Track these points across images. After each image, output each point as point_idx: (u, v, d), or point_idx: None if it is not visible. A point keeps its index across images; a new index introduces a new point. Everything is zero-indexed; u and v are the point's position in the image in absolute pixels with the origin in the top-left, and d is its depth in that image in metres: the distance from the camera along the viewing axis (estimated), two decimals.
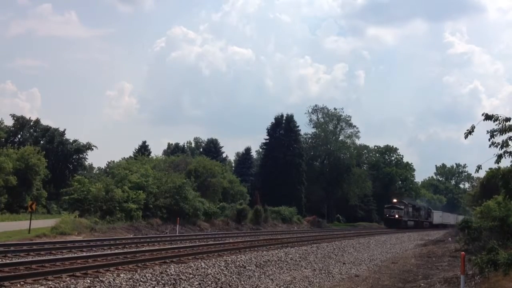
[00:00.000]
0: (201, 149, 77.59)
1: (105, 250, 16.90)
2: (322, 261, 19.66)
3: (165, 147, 79.56)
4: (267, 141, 68.78)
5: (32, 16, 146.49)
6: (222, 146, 76.83)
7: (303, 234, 35.03)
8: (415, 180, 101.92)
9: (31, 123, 58.97)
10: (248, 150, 76.26)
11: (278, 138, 67.14)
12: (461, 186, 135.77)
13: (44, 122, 66.60)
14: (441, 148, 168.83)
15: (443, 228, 67.81)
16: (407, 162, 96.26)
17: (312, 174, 71.60)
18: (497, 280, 11.50)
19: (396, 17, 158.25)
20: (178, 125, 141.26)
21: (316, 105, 77.44)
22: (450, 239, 35.54)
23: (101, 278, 10.83)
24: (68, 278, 10.71)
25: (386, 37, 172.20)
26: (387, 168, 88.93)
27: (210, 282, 12.70)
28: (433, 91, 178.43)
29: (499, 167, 12.35)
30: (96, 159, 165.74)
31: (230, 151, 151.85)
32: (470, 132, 10.64)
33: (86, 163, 64.63)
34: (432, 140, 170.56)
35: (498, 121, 10.45)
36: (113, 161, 66.79)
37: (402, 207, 60.78)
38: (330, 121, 77.66)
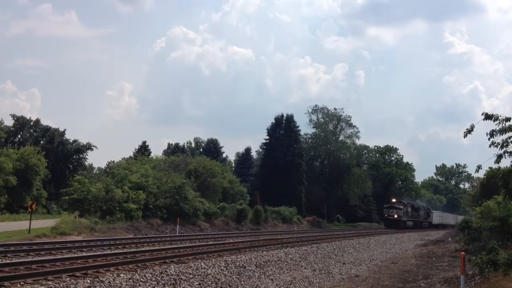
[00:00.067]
0: (201, 149, 77.60)
1: (105, 250, 16.90)
2: (322, 261, 19.66)
3: (165, 147, 79.69)
4: (267, 141, 68.80)
5: (32, 16, 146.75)
6: (222, 146, 77.01)
7: (303, 234, 35.01)
8: (415, 180, 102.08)
9: (31, 123, 58.92)
10: (248, 150, 76.36)
11: (278, 138, 67.14)
12: (461, 186, 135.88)
13: (44, 122, 66.78)
14: (441, 148, 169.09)
15: (443, 228, 67.58)
16: (407, 162, 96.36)
17: (312, 174, 71.60)
18: (497, 280, 11.49)
19: (396, 17, 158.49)
20: (178, 125, 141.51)
21: (316, 105, 77.67)
22: (450, 239, 35.52)
23: (101, 278, 10.82)
24: (68, 278, 10.71)
25: (386, 37, 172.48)
26: (387, 168, 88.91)
27: (210, 282, 12.70)
28: (433, 91, 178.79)
29: (499, 167, 12.35)
30: (96, 159, 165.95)
31: (230, 151, 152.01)
32: (469, 131, 10.64)
33: (86, 163, 64.67)
34: (432, 140, 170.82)
35: (498, 121, 10.44)
36: (113, 161, 66.80)
37: (401, 207, 60.43)
38: (330, 121, 77.70)
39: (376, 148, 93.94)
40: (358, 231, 49.19)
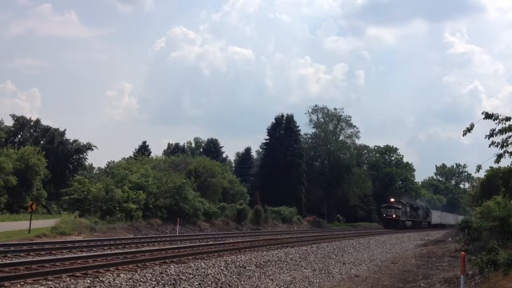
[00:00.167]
0: (201, 149, 77.64)
1: (105, 250, 16.89)
2: (322, 261, 19.66)
3: (165, 147, 79.70)
4: (267, 141, 68.81)
5: (32, 16, 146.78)
6: (222, 146, 77.07)
7: (303, 234, 35.01)
8: (415, 180, 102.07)
9: (31, 123, 58.95)
10: (248, 150, 76.43)
11: (278, 138, 67.16)
12: (461, 186, 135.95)
13: (44, 122, 66.77)
14: (441, 148, 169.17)
15: (442, 228, 67.25)
16: (407, 162, 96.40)
17: (312, 174, 71.60)
18: (497, 280, 11.49)
19: (396, 17, 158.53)
20: (178, 125, 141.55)
21: (316, 105, 77.69)
22: (450, 239, 35.51)
23: (101, 278, 10.82)
24: (68, 278, 10.70)
25: (386, 37, 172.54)
26: (387, 168, 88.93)
27: (210, 282, 12.70)
28: (433, 91, 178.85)
29: (499, 167, 12.34)
30: (96, 159, 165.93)
31: (230, 151, 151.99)
32: (469, 130, 10.62)
33: (86, 163, 64.72)
34: (432, 140, 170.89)
35: (498, 120, 10.43)
36: (113, 161, 66.84)
37: (400, 206, 59.73)
38: (330, 121, 77.72)
39: (376, 148, 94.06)
40: (358, 231, 49.18)
